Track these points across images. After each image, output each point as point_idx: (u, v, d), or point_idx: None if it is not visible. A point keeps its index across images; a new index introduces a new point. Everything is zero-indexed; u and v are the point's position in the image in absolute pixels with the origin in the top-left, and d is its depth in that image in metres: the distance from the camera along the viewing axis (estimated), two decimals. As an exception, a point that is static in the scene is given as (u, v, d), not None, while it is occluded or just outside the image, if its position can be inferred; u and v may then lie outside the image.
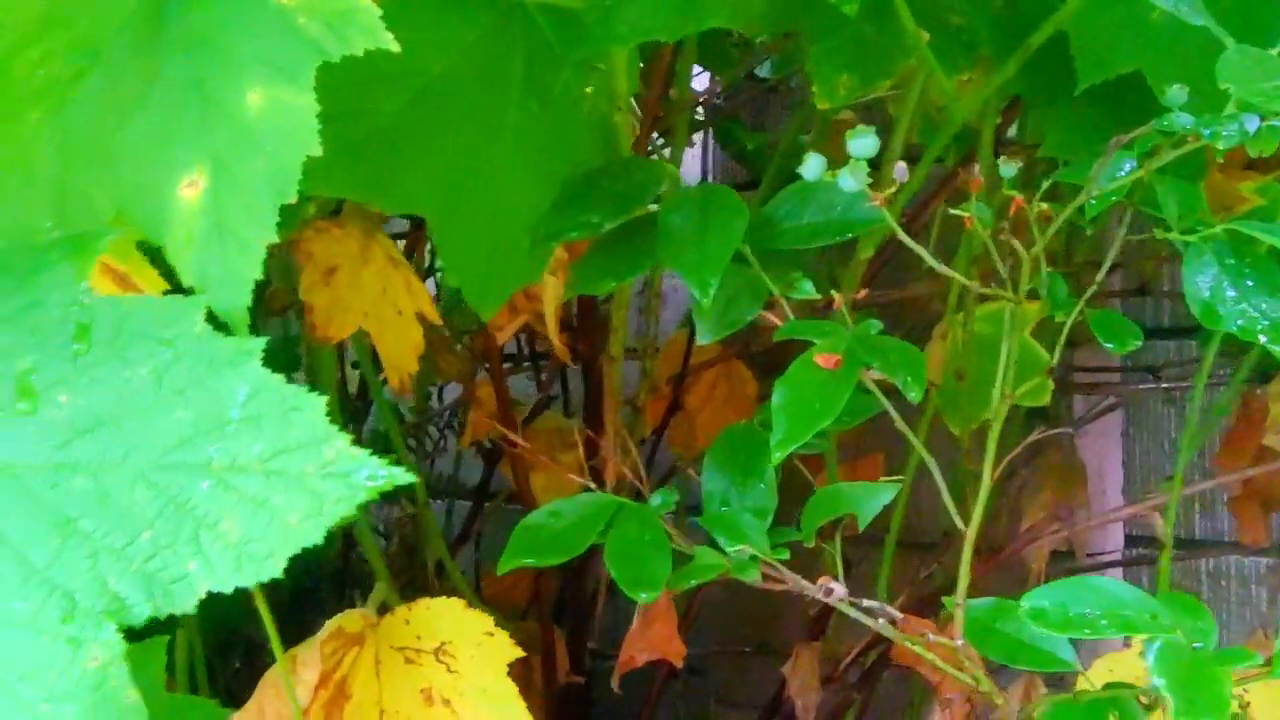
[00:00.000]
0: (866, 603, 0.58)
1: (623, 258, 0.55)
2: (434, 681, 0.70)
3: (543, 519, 0.56)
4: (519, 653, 0.68)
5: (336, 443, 0.34)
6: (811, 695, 1.01)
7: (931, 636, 0.59)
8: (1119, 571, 1.17)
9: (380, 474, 0.33)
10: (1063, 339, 0.53)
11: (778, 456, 0.47)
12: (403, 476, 0.34)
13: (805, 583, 0.53)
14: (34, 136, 0.40)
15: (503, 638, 0.68)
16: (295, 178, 0.37)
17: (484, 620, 0.68)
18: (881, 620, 0.54)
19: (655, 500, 0.57)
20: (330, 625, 0.68)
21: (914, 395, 0.47)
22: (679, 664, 0.79)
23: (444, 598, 0.69)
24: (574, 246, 0.62)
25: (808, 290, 0.55)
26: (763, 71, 1.36)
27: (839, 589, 0.52)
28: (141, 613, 0.33)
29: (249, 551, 0.33)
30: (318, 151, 0.37)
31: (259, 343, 0.35)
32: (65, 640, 0.32)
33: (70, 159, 0.40)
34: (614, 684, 0.79)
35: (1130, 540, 1.26)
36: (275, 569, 0.33)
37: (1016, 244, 0.47)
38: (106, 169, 0.40)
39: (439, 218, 0.53)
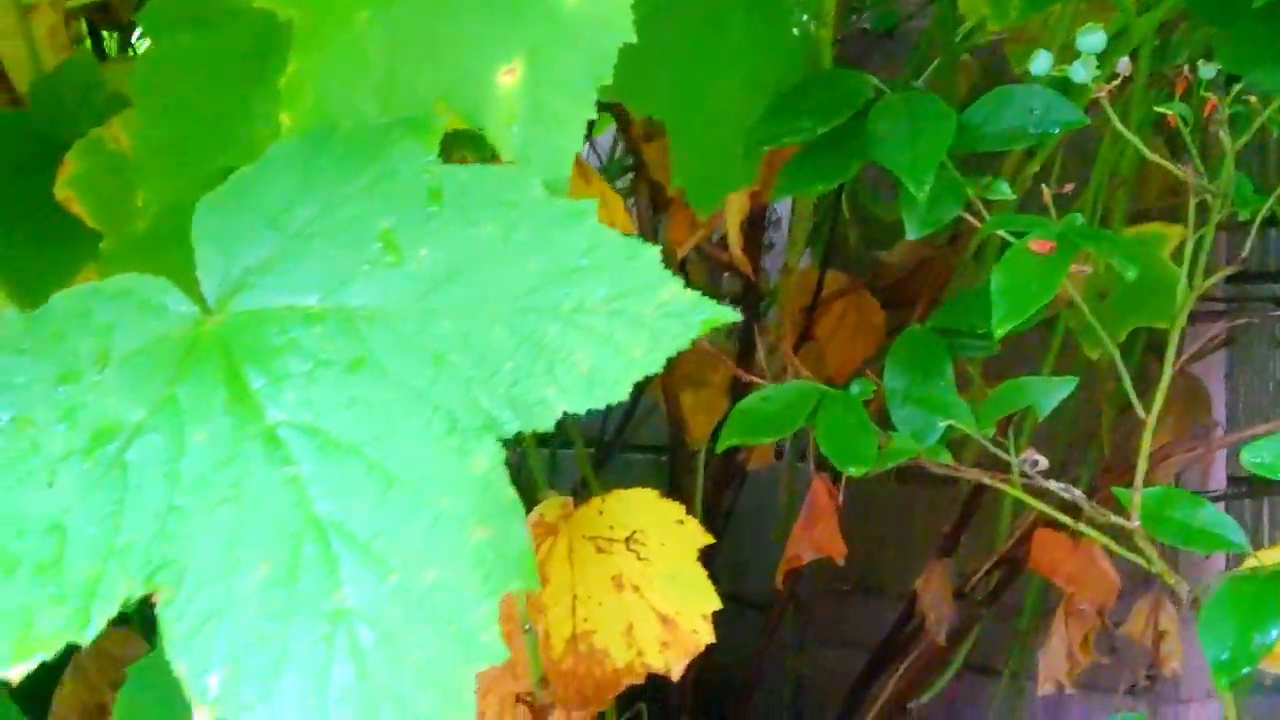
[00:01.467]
0: (1054, 483, 0.62)
1: (831, 162, 0.59)
2: (624, 569, 0.76)
3: (755, 403, 0.61)
4: (709, 539, 0.73)
5: (671, 286, 0.39)
6: (944, 609, 1.05)
7: (1113, 518, 0.63)
8: (1221, 506, 1.21)
9: (711, 313, 0.38)
10: (1252, 235, 0.57)
11: (1000, 332, 0.51)
12: (730, 314, 0.39)
13: (1009, 457, 0.58)
14: (363, 34, 0.45)
15: (693, 525, 0.73)
16: (611, 62, 0.42)
17: (675, 509, 0.73)
18: (1078, 493, 0.58)
19: (855, 389, 0.62)
20: (534, 514, 0.74)
21: (1130, 274, 0.51)
22: (840, 561, 0.84)
23: (637, 489, 0.74)
24: (772, 159, 0.67)
25: (1003, 192, 0.60)
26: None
27: (1043, 460, 0.57)
28: (512, 428, 0.38)
29: (598, 380, 0.38)
30: (633, 38, 0.42)
31: (592, 203, 0.40)
32: (453, 450, 0.37)
33: (396, 53, 0.45)
34: (778, 581, 0.84)
35: (1232, 482, 1.29)
36: (622, 393, 0.38)
37: (1224, 135, 0.50)
38: (429, 61, 0.45)
39: (673, 121, 0.58)
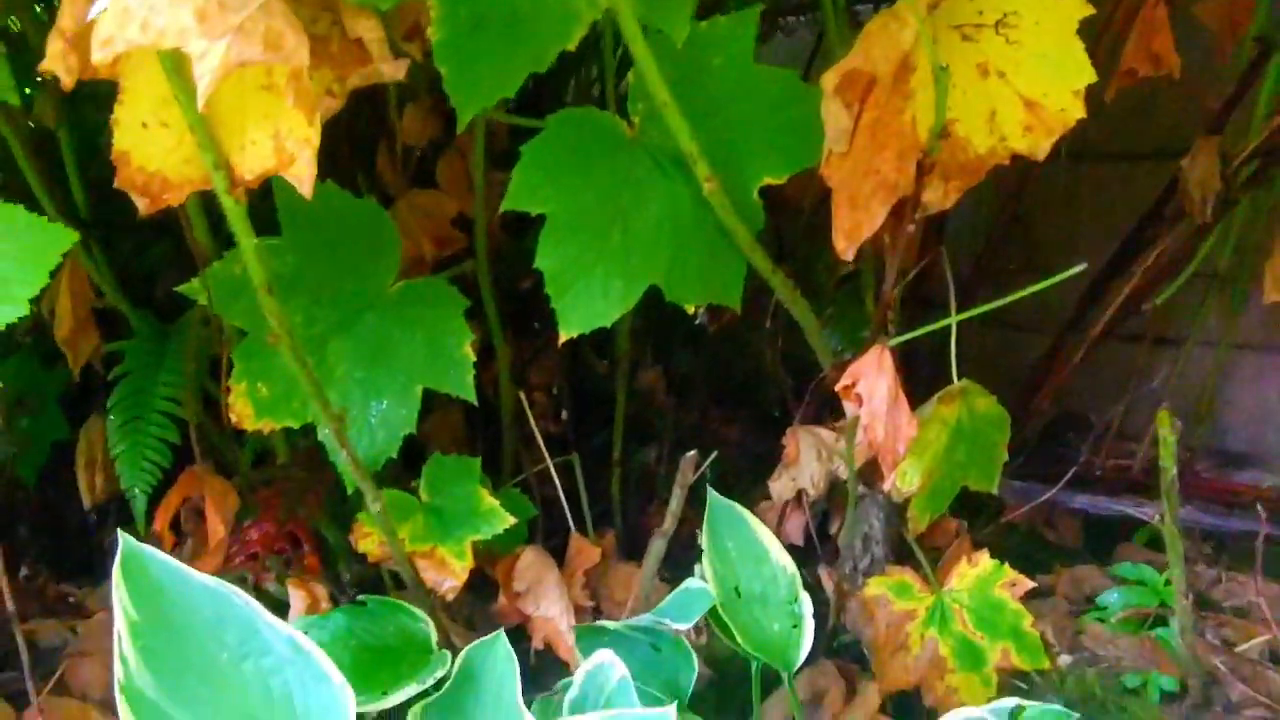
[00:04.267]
0: None
1: None
2: (990, 55, 0.79)
3: None
4: (1087, 9, 0.75)
5: None
6: (1211, 185, 1.08)
7: None
8: None
9: None
10: None
11: None
12: None
13: None
14: None
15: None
16: None
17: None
18: None
19: None
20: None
21: None
22: (1175, 74, 0.86)
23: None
24: None
25: None
26: None
27: None
28: None
29: None
30: None
31: None
32: None
33: None
34: (1108, 93, 0.87)
35: None
36: None
37: None
38: None
39: None
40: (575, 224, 0.80)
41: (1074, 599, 1.25)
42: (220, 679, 0.62)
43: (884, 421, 0.87)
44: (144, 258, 1.25)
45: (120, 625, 0.60)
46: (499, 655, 0.68)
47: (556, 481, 1.13)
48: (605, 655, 0.66)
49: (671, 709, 0.53)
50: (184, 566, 0.61)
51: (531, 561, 1.02)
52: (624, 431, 1.26)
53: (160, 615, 0.61)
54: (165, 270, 1.23)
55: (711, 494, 0.84)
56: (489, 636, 0.70)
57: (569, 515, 1.13)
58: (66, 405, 1.26)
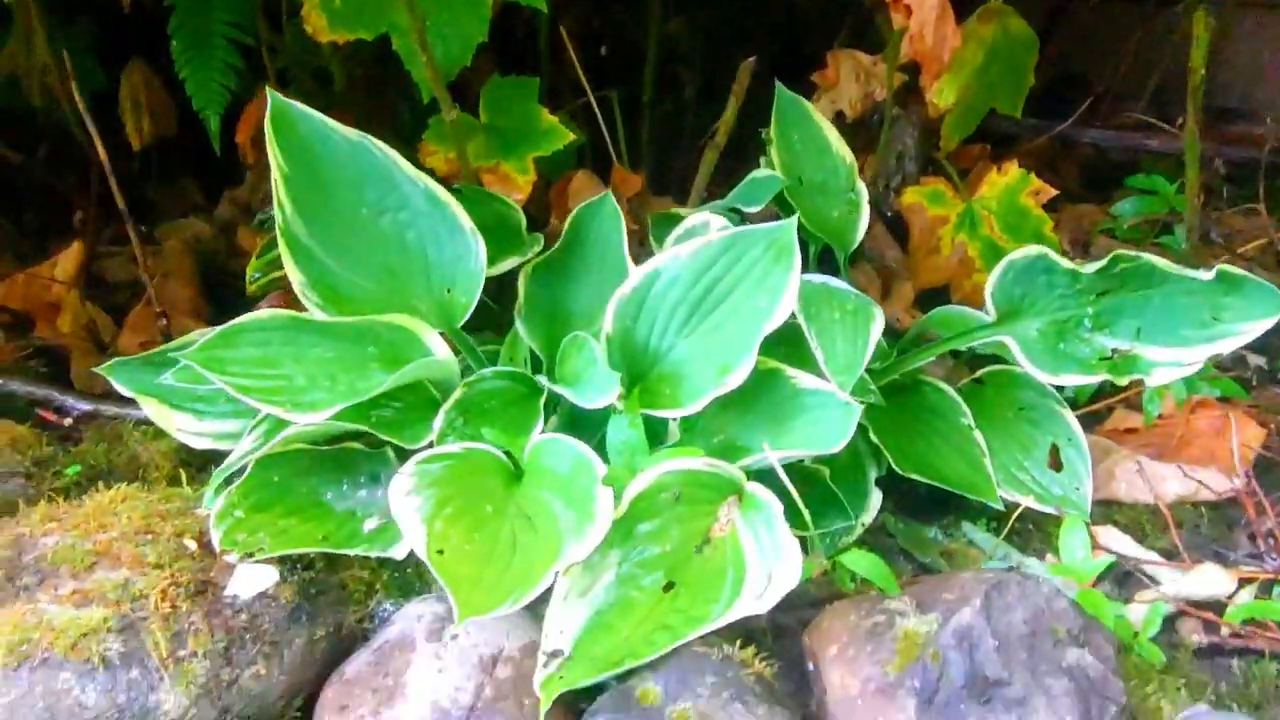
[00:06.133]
0: None
1: None
2: None
3: None
4: None
5: None
6: None
7: None
8: None
9: None
10: None
11: None
12: None
13: None
14: None
15: None
16: None
17: None
18: None
19: None
20: None
21: None
22: None
23: None
24: None
25: None
26: None
27: None
28: None
29: None
30: None
31: None
32: None
33: None
34: None
35: None
36: None
37: None
38: None
39: None
40: None
41: (1075, 233, 1.34)
42: (362, 231, 0.68)
43: (932, 29, 0.92)
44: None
45: (275, 176, 0.65)
46: (606, 213, 0.75)
47: (599, 117, 1.17)
48: (701, 216, 0.73)
49: (793, 219, 0.60)
50: (329, 120, 0.66)
51: (584, 182, 1.08)
52: (652, 81, 1.30)
53: (308, 168, 0.66)
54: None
55: (779, 87, 0.89)
56: (596, 197, 0.76)
57: (610, 149, 1.18)
58: (100, 57, 1.26)
